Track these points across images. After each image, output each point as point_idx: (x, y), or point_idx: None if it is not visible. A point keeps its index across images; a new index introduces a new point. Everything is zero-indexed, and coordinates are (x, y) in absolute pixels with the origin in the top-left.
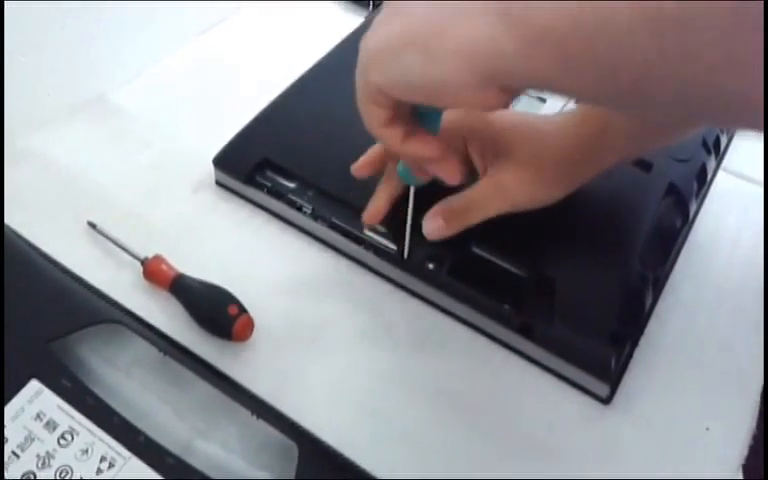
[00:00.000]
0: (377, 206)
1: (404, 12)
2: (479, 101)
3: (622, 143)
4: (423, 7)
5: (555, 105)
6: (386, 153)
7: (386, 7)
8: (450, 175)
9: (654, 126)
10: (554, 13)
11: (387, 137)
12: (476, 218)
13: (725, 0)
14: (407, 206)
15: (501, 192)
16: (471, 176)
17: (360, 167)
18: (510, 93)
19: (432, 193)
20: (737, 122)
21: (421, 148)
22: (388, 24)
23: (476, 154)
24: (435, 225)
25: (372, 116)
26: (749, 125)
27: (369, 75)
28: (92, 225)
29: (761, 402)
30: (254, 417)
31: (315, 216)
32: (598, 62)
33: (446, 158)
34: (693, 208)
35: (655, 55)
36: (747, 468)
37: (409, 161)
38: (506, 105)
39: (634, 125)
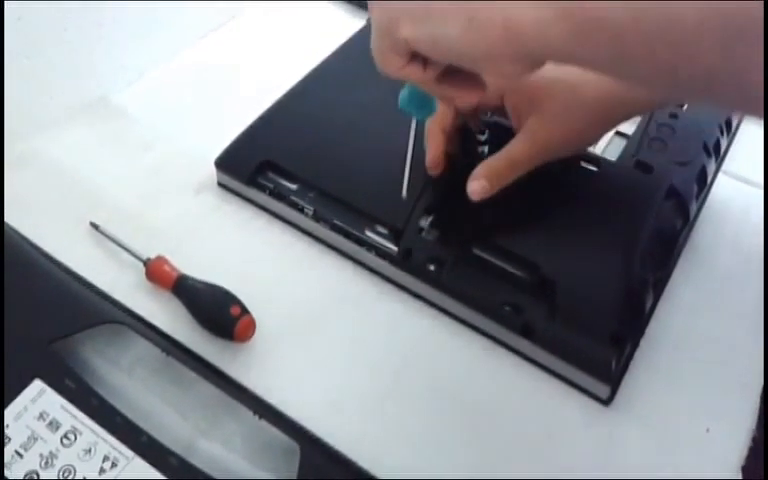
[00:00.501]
0: (435, 154)
1: None
2: (510, 72)
3: (647, 97)
4: None
5: None
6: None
7: None
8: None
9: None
10: (613, 6)
11: (409, 74)
12: (518, 173)
13: None
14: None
15: (539, 145)
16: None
17: (433, 161)
18: (538, 66)
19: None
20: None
21: (457, 92)
22: None
23: (511, 109)
24: (479, 186)
25: (390, 63)
26: None
27: (400, 27)
28: (95, 226)
29: (760, 403)
30: (256, 417)
31: (317, 217)
32: (656, 60)
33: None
34: (693, 210)
35: (719, 61)
36: (746, 469)
37: (443, 92)
38: (532, 73)
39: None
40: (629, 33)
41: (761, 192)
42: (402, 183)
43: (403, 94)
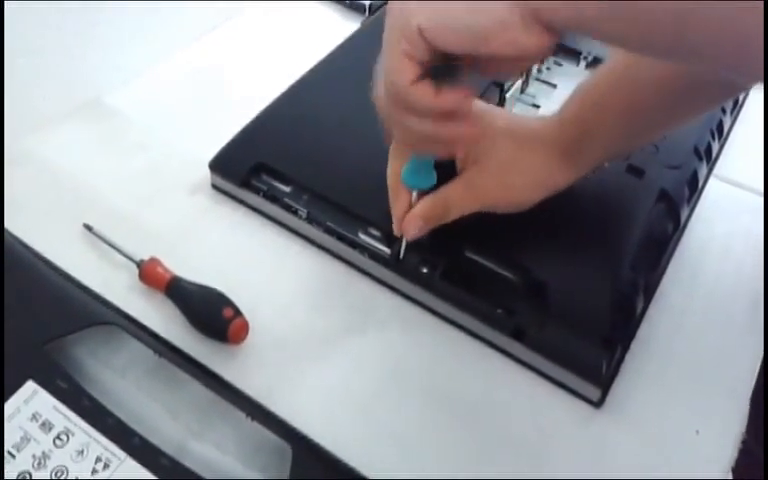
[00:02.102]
0: (401, 215)
1: None
2: (524, 44)
3: (598, 152)
4: None
5: (550, 110)
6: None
7: None
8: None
9: (631, 140)
10: None
11: (418, 95)
12: (453, 216)
13: None
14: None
15: (473, 193)
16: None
17: (400, 222)
18: (553, 35)
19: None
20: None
21: (456, 99)
22: None
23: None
24: (415, 226)
25: (403, 72)
26: None
27: (412, 19)
28: (88, 227)
29: (750, 406)
30: (248, 419)
31: (310, 220)
32: (666, 11)
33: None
34: (684, 214)
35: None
36: (737, 469)
37: (431, 131)
38: (548, 49)
39: (613, 134)
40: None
41: (752, 196)
42: (400, 248)
43: (406, 168)
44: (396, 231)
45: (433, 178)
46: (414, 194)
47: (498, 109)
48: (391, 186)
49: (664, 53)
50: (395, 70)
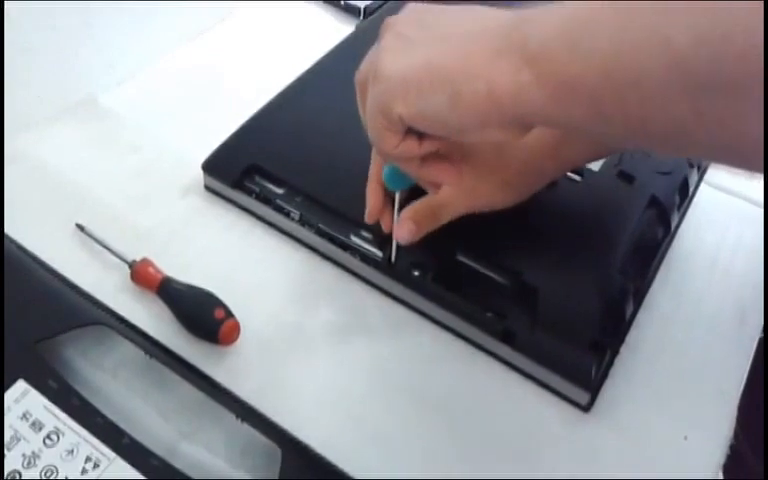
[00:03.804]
0: (373, 208)
1: (423, 41)
2: (501, 138)
3: (581, 152)
4: (443, 40)
5: None
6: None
7: (394, 28)
8: (452, 177)
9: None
10: (585, 65)
11: (404, 152)
12: (445, 219)
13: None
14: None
15: (465, 193)
16: None
17: (371, 215)
18: (531, 128)
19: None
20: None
21: (440, 174)
22: (408, 53)
23: (445, 155)
24: (407, 230)
25: (387, 142)
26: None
27: (393, 106)
28: (80, 227)
29: (738, 412)
30: (239, 420)
31: (302, 222)
32: (629, 115)
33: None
34: (675, 221)
35: (688, 114)
36: (726, 468)
37: (425, 175)
38: (523, 137)
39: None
40: (602, 91)
41: (743, 203)
42: (391, 251)
43: (385, 171)
44: (367, 220)
45: (410, 181)
46: (396, 195)
47: None
48: (370, 178)
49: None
50: (380, 140)
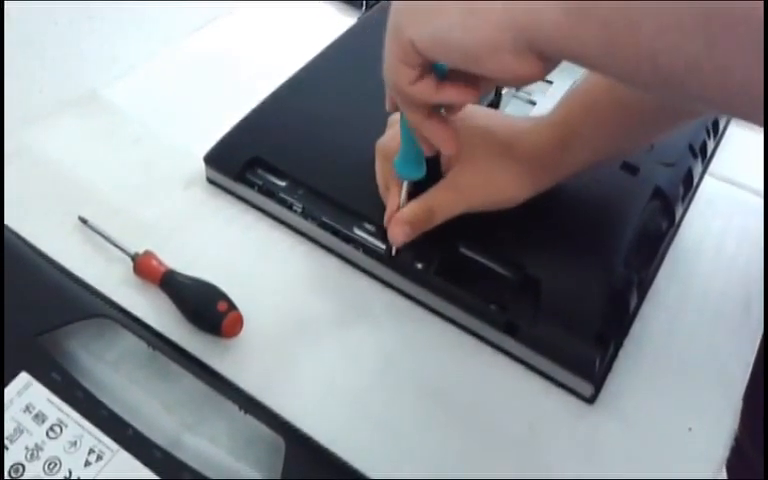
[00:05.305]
0: (393, 210)
1: None
2: (515, 69)
3: (584, 155)
4: None
5: (545, 107)
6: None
7: None
8: (449, 143)
9: (622, 143)
10: None
11: (418, 92)
12: (439, 220)
13: None
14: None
15: (459, 194)
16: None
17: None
18: (547, 63)
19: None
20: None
21: (457, 93)
22: None
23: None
24: (401, 231)
25: (402, 76)
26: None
27: (404, 31)
28: (83, 220)
29: (743, 403)
30: (242, 412)
31: (305, 215)
32: (640, 47)
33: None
34: (679, 212)
35: (701, 52)
36: (730, 469)
37: (426, 129)
38: (542, 76)
39: (602, 137)
40: (616, 18)
41: (747, 194)
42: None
43: (397, 159)
44: (387, 224)
45: (423, 170)
46: (403, 187)
47: (480, 108)
48: (381, 185)
49: (669, 96)
50: (393, 72)
